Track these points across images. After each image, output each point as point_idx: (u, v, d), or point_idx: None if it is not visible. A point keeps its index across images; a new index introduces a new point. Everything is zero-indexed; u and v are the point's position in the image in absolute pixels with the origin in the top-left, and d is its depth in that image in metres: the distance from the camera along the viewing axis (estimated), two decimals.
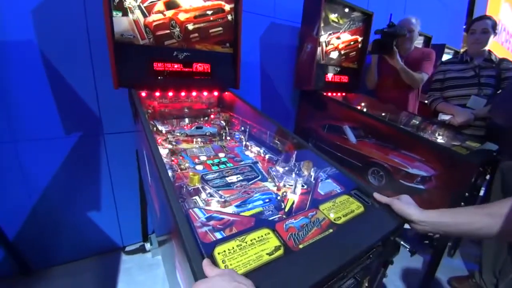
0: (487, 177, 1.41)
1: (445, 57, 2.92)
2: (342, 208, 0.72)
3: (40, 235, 1.43)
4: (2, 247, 1.32)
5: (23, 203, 1.35)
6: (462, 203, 1.25)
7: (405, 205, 0.68)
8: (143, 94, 1.23)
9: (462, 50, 2.11)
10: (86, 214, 1.54)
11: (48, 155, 1.35)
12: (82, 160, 1.45)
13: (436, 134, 1.61)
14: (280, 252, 0.53)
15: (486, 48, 1.75)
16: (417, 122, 1.84)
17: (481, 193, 1.48)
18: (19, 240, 1.37)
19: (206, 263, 0.45)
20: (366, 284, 0.70)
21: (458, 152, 1.32)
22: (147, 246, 1.71)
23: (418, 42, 2.68)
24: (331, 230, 0.62)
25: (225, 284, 0.39)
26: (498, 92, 1.69)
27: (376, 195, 0.76)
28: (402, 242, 0.66)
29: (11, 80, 1.19)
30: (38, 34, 1.20)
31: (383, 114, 1.88)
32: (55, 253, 1.50)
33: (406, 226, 0.69)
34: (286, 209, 0.75)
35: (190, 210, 0.65)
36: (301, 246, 0.56)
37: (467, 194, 1.26)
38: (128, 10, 1.08)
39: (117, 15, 1.06)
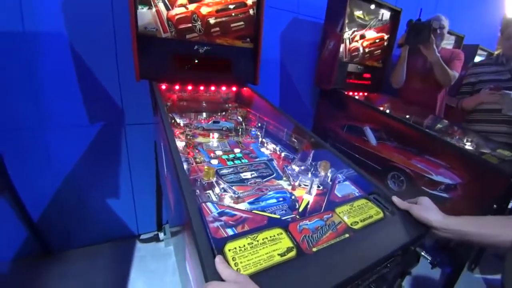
0: None
1: (478, 59, 2.74)
2: (360, 213, 0.69)
3: (61, 218, 1.50)
4: (26, 228, 1.40)
5: (47, 187, 1.43)
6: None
7: (425, 210, 0.64)
8: (163, 87, 1.25)
9: (496, 52, 1.96)
10: (105, 201, 1.60)
11: (73, 142, 1.41)
12: (104, 148, 1.50)
13: (464, 140, 1.51)
14: (293, 253, 0.52)
15: None
16: (444, 126, 1.74)
17: (511, 205, 1.38)
18: (42, 222, 1.45)
19: (219, 261, 0.44)
20: None
21: (488, 161, 1.23)
22: (161, 235, 1.75)
23: (449, 42, 2.53)
24: (347, 235, 0.60)
25: None
26: None
27: (395, 199, 0.72)
28: (423, 253, 0.63)
29: (41, 70, 1.25)
30: (67, 26, 1.24)
31: (407, 116, 1.79)
32: (74, 236, 1.58)
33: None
34: (300, 209, 0.73)
35: (203, 204, 0.65)
36: (314, 249, 0.54)
37: (495, 206, 1.17)
38: (152, 3, 1.09)
39: (142, 8, 1.07)
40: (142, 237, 1.78)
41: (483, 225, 0.58)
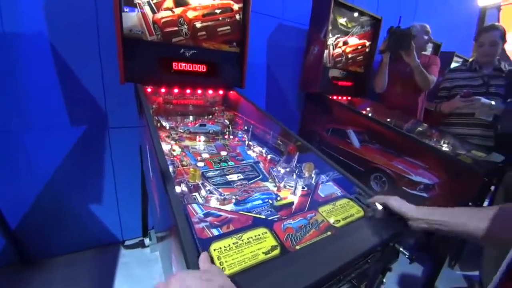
0: (492, 187, 1.39)
1: (454, 66, 2.89)
2: (341, 212, 0.71)
3: (42, 225, 1.45)
4: (3, 236, 1.34)
5: (26, 192, 1.37)
6: None
7: (400, 203, 0.68)
8: (149, 89, 1.24)
9: (471, 59, 2.07)
10: (88, 206, 1.56)
11: (54, 146, 1.37)
12: (86, 153, 1.46)
13: (441, 142, 1.59)
14: (277, 252, 0.53)
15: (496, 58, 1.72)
16: (423, 129, 1.82)
17: (485, 204, 1.45)
18: (21, 229, 1.39)
19: (203, 257, 0.45)
20: None
21: (463, 161, 1.30)
22: (146, 241, 1.71)
23: (427, 49, 2.66)
24: (329, 233, 0.62)
25: (196, 282, 0.37)
26: (508, 101, 1.66)
27: (373, 198, 0.74)
28: (401, 249, 0.66)
29: (20, 70, 1.21)
30: (49, 26, 1.22)
31: (388, 119, 1.86)
32: (56, 243, 1.52)
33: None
34: (278, 203, 0.75)
35: (189, 205, 0.65)
36: (298, 247, 0.56)
37: (470, 204, 1.24)
38: (138, 6, 1.09)
39: (126, 10, 1.07)
40: (127, 243, 1.74)
41: (452, 215, 0.62)
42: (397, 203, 0.68)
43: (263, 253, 0.52)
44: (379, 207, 0.71)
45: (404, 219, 0.67)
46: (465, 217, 0.60)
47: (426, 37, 1.94)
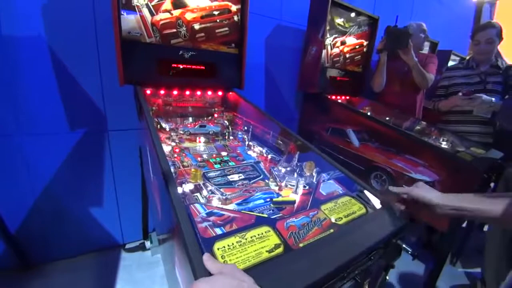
0: (492, 184, 1.40)
1: (451, 64, 2.91)
2: (343, 209, 0.71)
3: (41, 229, 1.44)
4: (3, 240, 1.33)
5: (26, 196, 1.36)
6: None
7: (425, 190, 0.68)
8: (148, 91, 1.24)
9: (468, 57, 2.09)
10: (88, 210, 1.55)
11: (53, 150, 1.37)
12: (86, 156, 1.46)
13: (441, 140, 1.59)
14: (280, 250, 0.53)
15: (493, 55, 1.73)
16: (421, 127, 1.83)
17: None
18: (20, 233, 1.38)
19: (206, 258, 0.45)
20: (367, 287, 0.69)
21: (462, 158, 1.30)
22: (147, 244, 1.71)
23: (425, 48, 2.68)
24: (332, 230, 0.62)
25: (227, 282, 0.38)
26: (505, 98, 1.67)
27: (392, 188, 0.74)
28: (403, 245, 0.66)
29: (19, 74, 1.21)
30: (47, 29, 1.22)
31: (387, 118, 1.87)
32: (55, 248, 1.51)
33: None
34: (279, 199, 0.75)
35: (191, 205, 0.65)
36: (301, 245, 0.56)
37: None
38: (136, 8, 1.10)
39: (125, 13, 1.07)
40: (128, 246, 1.73)
41: (479, 201, 0.63)
42: (422, 192, 0.68)
43: (266, 251, 0.52)
44: (401, 206, 0.70)
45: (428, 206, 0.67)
46: (488, 203, 0.61)
47: (422, 36, 1.95)
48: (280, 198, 0.77)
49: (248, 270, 0.47)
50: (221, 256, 0.49)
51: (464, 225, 1.78)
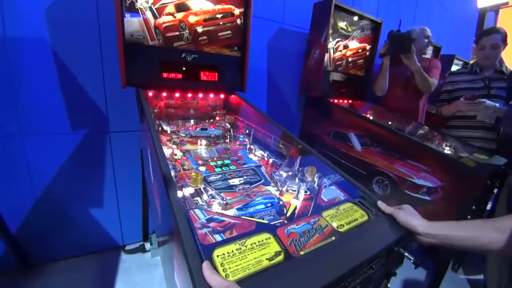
0: (495, 190, 1.38)
1: (454, 68, 2.89)
2: (345, 216, 0.70)
3: (42, 230, 1.44)
4: (3, 240, 1.33)
5: (26, 197, 1.37)
6: (469, 216, 1.23)
7: (409, 216, 0.66)
8: (150, 94, 1.24)
9: (471, 62, 2.08)
10: (89, 211, 1.55)
11: (54, 151, 1.37)
12: (87, 157, 1.46)
13: (444, 145, 1.58)
14: (280, 257, 0.52)
15: (497, 61, 1.72)
16: (424, 132, 1.82)
17: (488, 207, 1.44)
18: (21, 234, 1.38)
19: (206, 266, 0.44)
20: None
21: (466, 164, 1.29)
22: (147, 246, 1.70)
23: (427, 52, 2.67)
24: (333, 238, 0.61)
25: None
26: (510, 103, 1.65)
27: (380, 204, 0.74)
28: (406, 254, 0.65)
29: (21, 75, 1.21)
30: (50, 32, 1.23)
31: (389, 122, 1.86)
32: (56, 248, 1.51)
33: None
34: (288, 214, 0.74)
35: (191, 210, 0.64)
36: (302, 253, 0.55)
37: (474, 207, 1.23)
38: (140, 11, 1.10)
39: (128, 15, 1.08)
40: (127, 248, 1.73)
41: (464, 228, 0.60)
42: (405, 217, 0.66)
43: (267, 259, 0.51)
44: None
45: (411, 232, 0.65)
46: (474, 230, 0.59)
47: (426, 41, 1.95)
48: (289, 210, 0.76)
49: (248, 279, 0.47)
50: (221, 264, 0.48)
51: None
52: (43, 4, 1.19)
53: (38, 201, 1.39)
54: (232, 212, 0.72)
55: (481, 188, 1.22)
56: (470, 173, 1.24)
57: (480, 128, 1.71)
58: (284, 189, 0.87)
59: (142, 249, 1.71)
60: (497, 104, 1.54)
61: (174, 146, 1.12)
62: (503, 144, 1.69)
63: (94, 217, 1.58)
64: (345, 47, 1.94)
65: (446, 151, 1.51)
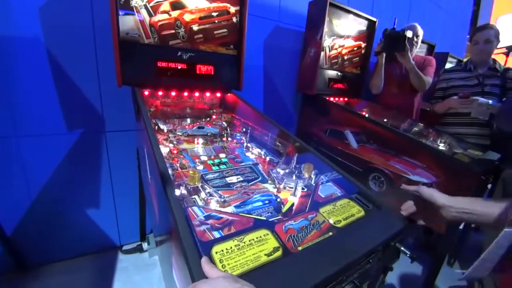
0: (489, 186, 1.40)
1: (448, 66, 2.92)
2: (342, 212, 0.71)
3: (38, 231, 1.42)
4: (0, 242, 1.31)
5: (22, 198, 1.35)
6: None
7: (432, 191, 0.68)
8: (146, 92, 1.24)
9: (465, 59, 2.10)
10: (85, 211, 1.54)
11: (49, 151, 1.35)
12: (82, 157, 1.45)
13: (438, 141, 1.60)
14: (279, 253, 0.53)
15: (491, 57, 1.75)
16: (419, 129, 1.83)
17: None
18: (17, 236, 1.37)
19: (205, 261, 0.45)
20: None
21: (460, 160, 1.31)
22: (145, 245, 1.69)
23: (422, 50, 2.69)
24: (330, 233, 0.62)
25: (228, 285, 0.38)
26: (503, 100, 1.68)
27: (404, 186, 0.75)
28: (402, 248, 0.66)
29: (16, 75, 1.20)
30: (44, 31, 1.21)
31: (385, 120, 1.87)
32: (52, 250, 1.49)
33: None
34: (284, 210, 0.74)
35: (189, 208, 0.64)
36: (300, 248, 0.55)
37: None
38: (134, 9, 1.09)
39: (123, 14, 1.07)
40: (125, 248, 1.72)
41: (483, 205, 0.63)
42: (429, 191, 0.68)
43: (265, 255, 0.52)
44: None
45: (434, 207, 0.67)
46: (493, 207, 0.61)
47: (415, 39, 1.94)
48: (286, 206, 0.76)
49: (246, 274, 0.47)
50: (219, 260, 0.48)
51: (461, 226, 1.79)
52: (36, 3, 1.17)
53: (34, 202, 1.38)
54: (230, 209, 0.72)
55: (475, 183, 1.23)
56: (464, 169, 1.25)
57: (474, 125, 1.73)
58: (281, 186, 0.88)
59: (140, 249, 1.71)
60: (490, 101, 1.56)
61: (171, 145, 1.11)
62: (496, 140, 1.72)
63: (91, 218, 1.56)
64: (341, 45, 1.95)
65: (440, 148, 1.53)
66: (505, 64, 1.84)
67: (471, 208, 0.63)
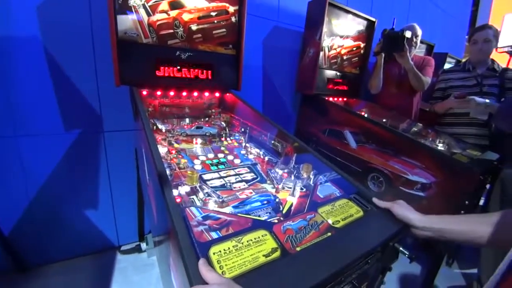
0: (487, 186, 1.40)
1: (447, 66, 2.93)
2: (341, 212, 0.71)
3: (36, 231, 1.42)
4: None
5: (20, 198, 1.34)
6: (462, 212, 1.24)
7: (405, 210, 0.67)
8: (144, 92, 1.23)
9: (464, 59, 2.10)
10: (83, 211, 1.53)
11: (48, 151, 1.35)
12: (81, 157, 1.44)
13: (437, 142, 1.60)
14: (277, 254, 0.53)
15: (489, 57, 1.75)
16: (418, 129, 1.84)
17: (481, 202, 1.46)
18: (15, 236, 1.36)
19: (202, 263, 0.44)
20: None
21: (459, 160, 1.31)
22: (143, 246, 1.69)
23: (421, 50, 2.69)
24: (329, 234, 0.61)
25: None
26: (502, 100, 1.68)
27: (375, 199, 0.75)
28: (401, 248, 0.65)
29: (14, 75, 1.19)
30: (42, 30, 1.20)
31: (384, 120, 1.87)
32: (51, 250, 1.49)
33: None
34: (284, 211, 0.74)
35: (187, 208, 0.64)
36: (298, 249, 0.55)
37: (467, 202, 1.25)
38: (133, 9, 1.09)
39: (121, 13, 1.06)
40: (123, 248, 1.71)
41: (459, 222, 0.62)
42: (401, 210, 0.67)
43: (263, 255, 0.51)
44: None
45: (407, 225, 0.66)
46: (469, 224, 0.60)
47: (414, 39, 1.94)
48: (285, 206, 0.76)
49: (244, 275, 0.47)
50: (217, 261, 0.48)
51: None
52: (34, 2, 1.17)
53: (32, 202, 1.37)
54: (228, 210, 0.72)
55: (474, 183, 1.23)
56: (463, 169, 1.26)
57: (473, 125, 1.74)
58: (280, 186, 0.87)
59: (138, 249, 1.70)
60: (487, 100, 1.56)
61: (169, 145, 1.11)
62: (495, 140, 1.72)
63: (89, 218, 1.56)
64: (340, 45, 1.95)
65: (439, 148, 1.53)
66: (508, 63, 1.84)
67: (448, 228, 0.61)
